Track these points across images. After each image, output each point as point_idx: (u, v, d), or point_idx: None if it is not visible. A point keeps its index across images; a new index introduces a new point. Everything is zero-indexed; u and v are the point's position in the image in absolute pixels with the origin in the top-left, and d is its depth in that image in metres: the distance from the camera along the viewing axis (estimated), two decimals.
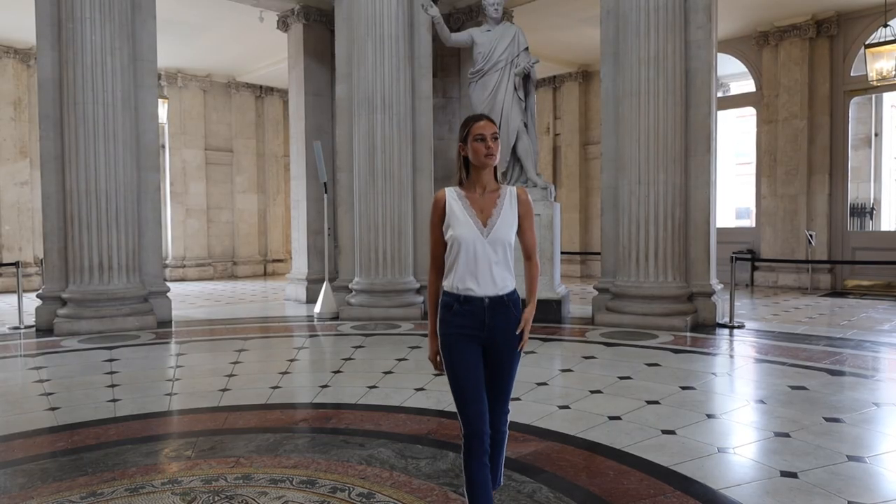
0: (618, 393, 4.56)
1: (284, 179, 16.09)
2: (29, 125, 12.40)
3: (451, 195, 2.30)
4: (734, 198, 17.11)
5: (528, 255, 2.40)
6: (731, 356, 6.06)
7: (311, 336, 7.30)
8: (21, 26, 10.97)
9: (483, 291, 2.26)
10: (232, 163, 15.93)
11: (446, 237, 2.27)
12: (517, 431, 3.70)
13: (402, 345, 6.44)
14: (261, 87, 16.02)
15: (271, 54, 13.33)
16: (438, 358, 2.34)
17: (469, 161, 2.29)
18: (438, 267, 2.34)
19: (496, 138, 2.25)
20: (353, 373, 5.36)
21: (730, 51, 12.42)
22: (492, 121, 2.28)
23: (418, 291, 8.36)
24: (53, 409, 4.35)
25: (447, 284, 2.29)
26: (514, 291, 2.33)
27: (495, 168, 2.31)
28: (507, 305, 2.29)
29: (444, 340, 2.28)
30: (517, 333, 2.29)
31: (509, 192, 2.31)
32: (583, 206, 15.03)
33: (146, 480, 3.06)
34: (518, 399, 4.39)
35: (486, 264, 2.25)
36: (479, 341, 2.27)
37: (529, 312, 2.33)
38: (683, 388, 4.67)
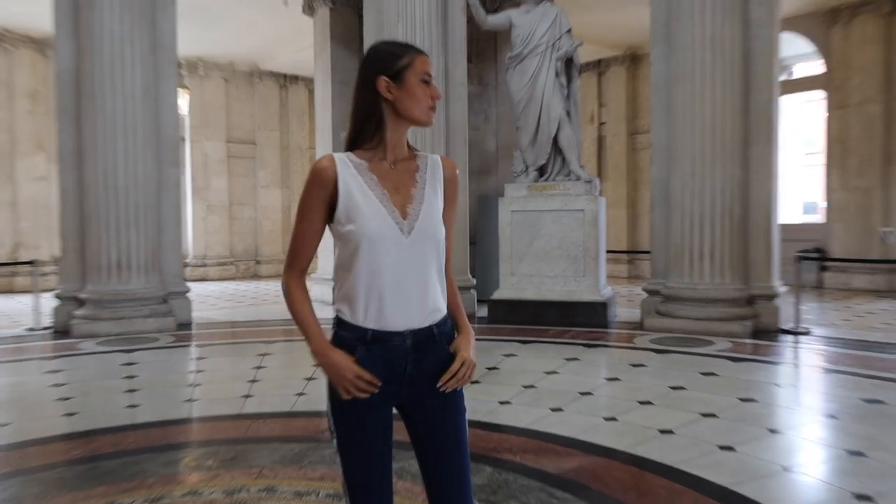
0: (670, 404, 4.49)
1: None
2: (45, 118, 12.75)
3: (344, 165, 1.64)
4: (800, 192, 16.70)
5: (448, 259, 1.77)
6: (797, 365, 5.94)
7: None
8: (38, 14, 11.27)
9: (406, 323, 1.63)
10: (255, 156, 16.19)
11: (342, 231, 1.65)
12: (558, 445, 3.67)
13: None
14: (285, 75, 16.23)
15: (296, 41, 13.47)
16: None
17: (387, 111, 1.65)
18: (303, 269, 1.75)
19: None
20: None
21: (795, 29, 12.10)
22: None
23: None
24: (70, 414, 4.46)
25: (346, 312, 1.67)
26: (446, 318, 1.70)
27: None
28: (437, 342, 1.66)
29: (341, 408, 1.65)
30: (471, 374, 1.67)
31: (430, 163, 1.71)
32: (630, 202, 14.87)
33: (166, 491, 3.12)
34: (560, 410, 4.35)
35: (412, 278, 1.63)
36: (395, 401, 1.68)
37: (466, 344, 1.68)
38: (743, 399, 4.58)
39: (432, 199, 1.67)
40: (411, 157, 1.71)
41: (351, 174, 1.65)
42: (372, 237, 1.61)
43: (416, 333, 1.64)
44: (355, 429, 1.65)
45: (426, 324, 1.65)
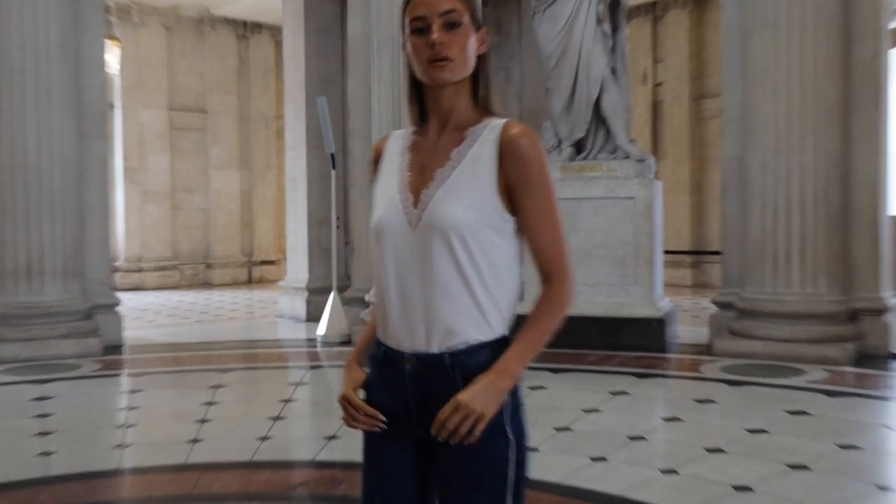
0: (747, 452, 4.47)
1: (277, 150, 16.31)
2: None
3: (395, 143, 1.79)
4: None
5: (544, 272, 1.69)
6: None
7: (313, 367, 7.35)
8: None
9: (410, 343, 1.66)
10: (206, 128, 16.24)
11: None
12: None
13: None
14: (245, 23, 16.28)
15: None
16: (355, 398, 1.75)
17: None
18: None
19: (452, 26, 1.63)
20: None
21: None
22: None
23: None
24: None
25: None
26: (478, 349, 1.65)
27: (477, 85, 1.70)
28: (449, 376, 1.63)
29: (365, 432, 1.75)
30: (466, 425, 1.56)
31: (486, 132, 1.67)
32: (695, 186, 14.82)
33: None
34: (603, 459, 4.34)
35: (414, 285, 1.65)
36: (412, 440, 1.71)
37: (475, 384, 1.59)
38: (843, 446, 4.55)
39: (461, 180, 1.64)
40: (466, 126, 1.69)
41: (395, 153, 1.76)
42: (378, 230, 1.70)
43: (420, 359, 1.65)
44: (364, 464, 1.77)
45: (434, 349, 1.64)
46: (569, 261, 1.68)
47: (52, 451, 4.66)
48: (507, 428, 1.63)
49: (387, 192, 1.71)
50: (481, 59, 1.69)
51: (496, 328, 1.66)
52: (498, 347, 1.64)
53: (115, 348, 8.04)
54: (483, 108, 1.70)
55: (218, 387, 6.36)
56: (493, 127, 1.66)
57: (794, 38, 6.99)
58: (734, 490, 3.86)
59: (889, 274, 7.46)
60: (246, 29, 16.41)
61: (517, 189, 1.63)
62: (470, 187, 1.63)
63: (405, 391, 1.67)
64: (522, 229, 1.66)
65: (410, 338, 1.65)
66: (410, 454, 1.71)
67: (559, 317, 1.67)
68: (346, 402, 1.72)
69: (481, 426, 1.56)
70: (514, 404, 1.65)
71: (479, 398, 1.57)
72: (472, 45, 1.64)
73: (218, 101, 16.32)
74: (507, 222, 1.64)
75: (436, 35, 1.61)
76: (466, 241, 1.61)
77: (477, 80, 1.69)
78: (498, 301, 1.65)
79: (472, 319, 1.64)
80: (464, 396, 1.57)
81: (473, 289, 1.62)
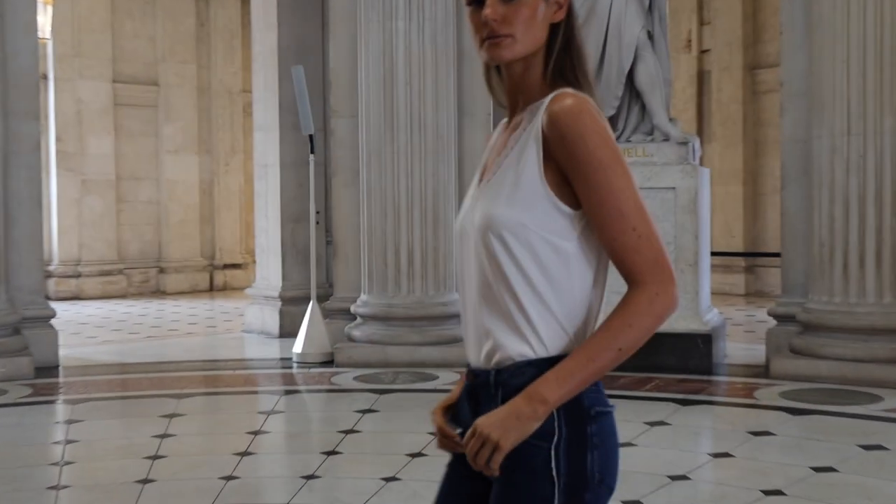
0: (812, 496, 4.46)
1: (244, 131, 16.37)
2: None
3: (493, 134, 1.88)
4: None
5: (623, 276, 1.64)
6: None
7: (287, 393, 7.35)
8: None
9: (472, 357, 1.77)
10: (157, 104, 16.29)
11: None
12: None
13: None
14: None
15: None
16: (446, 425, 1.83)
17: None
18: None
19: None
20: (358, 455, 5.40)
21: None
22: None
23: None
24: None
25: None
26: (524, 367, 1.66)
27: (549, 57, 1.71)
28: (492, 395, 1.69)
29: None
30: (484, 455, 1.59)
31: (537, 110, 1.68)
32: (749, 174, 14.84)
33: None
34: (639, 503, 4.33)
35: (466, 295, 1.78)
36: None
37: (497, 411, 1.62)
38: None
39: (506, 172, 1.68)
40: (533, 109, 1.71)
41: (488, 146, 1.87)
42: (455, 235, 1.84)
43: (475, 375, 1.75)
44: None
45: (483, 365, 1.72)
46: (653, 260, 1.61)
47: None
48: (553, 466, 1.61)
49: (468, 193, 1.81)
50: (555, 28, 1.70)
51: (552, 346, 1.64)
52: (549, 368, 1.61)
53: (48, 370, 8.03)
54: (552, 82, 1.70)
55: (173, 416, 6.37)
56: (544, 102, 1.66)
57: None
58: None
59: None
60: None
61: (570, 176, 1.62)
62: (513, 179, 1.65)
63: (466, 410, 1.78)
64: (586, 212, 1.62)
65: (471, 351, 1.76)
66: (469, 485, 1.80)
67: (632, 333, 1.60)
68: (432, 418, 1.84)
69: (498, 457, 1.57)
70: (571, 438, 1.62)
71: (498, 424, 1.59)
72: (542, 14, 1.64)
73: (172, 72, 16.36)
74: (568, 218, 1.62)
75: (488, 10, 1.63)
76: (507, 243, 1.63)
77: (551, 50, 1.70)
78: (557, 314, 1.64)
79: (519, 334, 1.65)
80: (481, 421, 1.61)
81: (520, 299, 1.63)
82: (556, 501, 1.61)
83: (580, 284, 1.65)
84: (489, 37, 1.64)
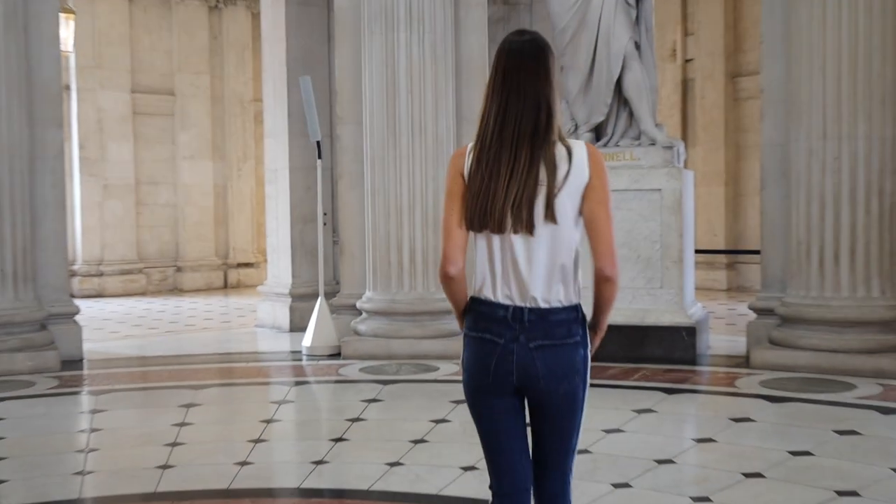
0: (789, 478, 4.48)
1: (255, 138, 16.34)
2: None
3: None
4: None
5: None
6: None
7: (298, 383, 7.36)
8: None
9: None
10: (173, 112, 16.25)
11: None
12: None
13: (442, 397, 6.44)
14: None
15: None
16: None
17: None
18: None
19: None
20: (363, 441, 5.40)
21: None
22: None
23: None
24: None
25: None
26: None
27: None
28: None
29: None
30: None
31: None
32: (731, 176, 14.82)
33: None
34: (626, 486, 4.37)
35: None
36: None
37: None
38: None
39: None
40: None
41: None
42: None
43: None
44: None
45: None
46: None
47: (2, 480, 4.67)
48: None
49: None
50: None
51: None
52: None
53: (73, 363, 8.05)
54: None
55: (191, 406, 6.39)
56: None
57: (843, 7, 6.98)
58: None
59: None
60: (219, 0, 16.39)
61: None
62: None
63: None
64: None
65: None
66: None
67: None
68: None
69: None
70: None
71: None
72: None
73: (187, 82, 16.32)
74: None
75: None
76: None
77: None
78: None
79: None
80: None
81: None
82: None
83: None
84: None
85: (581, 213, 2.44)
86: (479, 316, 2.50)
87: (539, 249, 2.42)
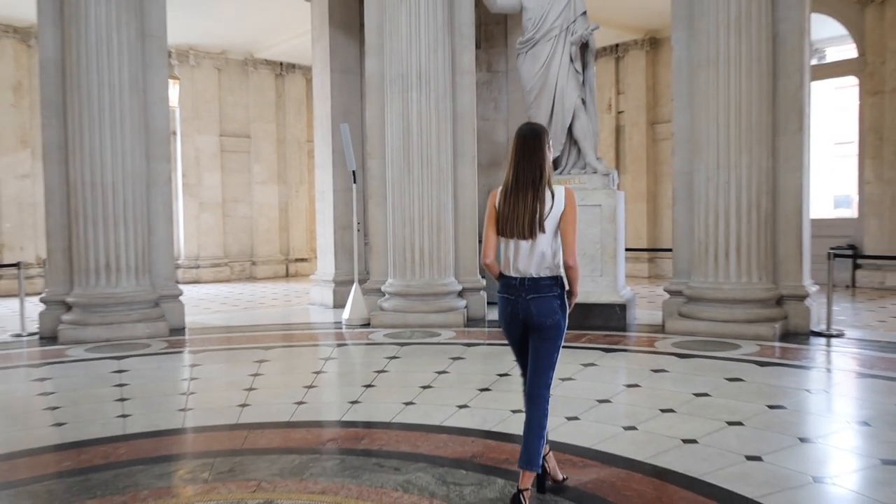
0: (693, 412, 4.51)
1: (308, 168, 16.33)
2: (30, 112, 12.83)
3: None
4: (832, 184, 16.60)
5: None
6: (829, 370, 5.92)
7: (339, 345, 7.39)
8: (20, 2, 11.35)
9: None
10: (249, 150, 16.25)
11: None
12: (575, 455, 3.69)
13: (443, 355, 6.47)
14: (281, 63, 16.28)
15: (293, 27, 13.52)
16: None
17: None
18: None
19: None
20: (386, 387, 5.41)
21: (825, 10, 12.05)
22: None
23: (461, 294, 8.38)
24: (59, 424, 4.51)
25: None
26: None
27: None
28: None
29: None
30: None
31: None
32: (651, 195, 14.85)
33: None
34: (576, 419, 4.39)
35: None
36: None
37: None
38: (771, 406, 4.59)
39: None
40: None
41: None
42: None
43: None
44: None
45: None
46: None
47: (128, 414, 4.73)
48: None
49: None
50: None
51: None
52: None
53: (178, 330, 8.08)
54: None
55: (262, 361, 6.43)
56: None
57: (731, 73, 7.02)
58: (683, 443, 3.91)
59: (808, 267, 7.47)
60: (282, 69, 16.41)
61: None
62: None
63: None
64: None
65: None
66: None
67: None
68: None
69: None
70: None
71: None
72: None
73: (260, 128, 16.32)
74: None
75: None
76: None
77: None
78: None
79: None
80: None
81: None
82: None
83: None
84: None
85: (558, 227, 3.09)
86: (503, 284, 3.17)
87: (534, 248, 3.07)
